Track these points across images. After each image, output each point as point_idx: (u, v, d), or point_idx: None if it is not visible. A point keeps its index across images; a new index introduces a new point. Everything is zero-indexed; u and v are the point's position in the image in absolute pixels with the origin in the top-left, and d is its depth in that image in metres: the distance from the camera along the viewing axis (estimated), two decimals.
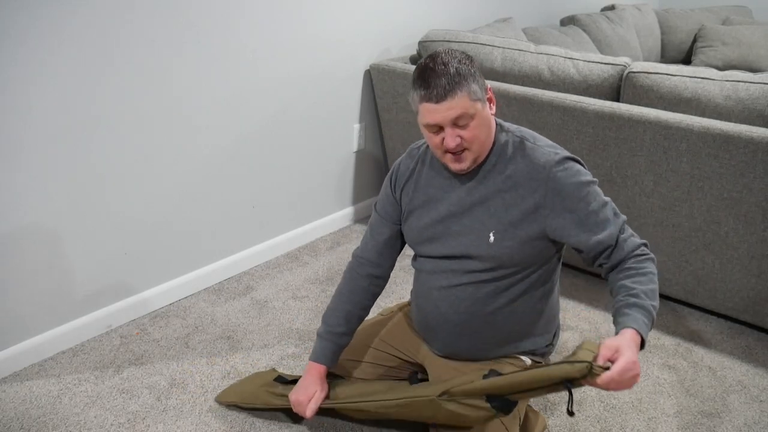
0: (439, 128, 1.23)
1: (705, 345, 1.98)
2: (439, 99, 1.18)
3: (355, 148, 2.65)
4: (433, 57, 1.22)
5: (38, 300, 1.78)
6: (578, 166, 1.28)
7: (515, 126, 1.35)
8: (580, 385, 1.11)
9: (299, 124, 2.36)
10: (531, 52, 2.19)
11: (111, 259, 1.92)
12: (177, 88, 1.92)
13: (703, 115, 1.86)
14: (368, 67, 2.57)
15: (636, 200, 1.98)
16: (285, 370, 1.80)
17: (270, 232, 2.41)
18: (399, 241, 1.50)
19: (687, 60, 4.13)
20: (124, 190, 1.88)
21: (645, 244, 1.27)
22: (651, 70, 1.93)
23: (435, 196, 1.37)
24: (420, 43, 2.45)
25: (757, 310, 1.93)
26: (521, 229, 1.28)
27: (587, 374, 1.07)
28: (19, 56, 1.55)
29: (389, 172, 1.49)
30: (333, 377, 1.55)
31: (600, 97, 2.03)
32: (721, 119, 1.82)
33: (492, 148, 1.31)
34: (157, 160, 1.94)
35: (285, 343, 1.93)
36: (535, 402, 1.70)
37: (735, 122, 1.79)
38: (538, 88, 2.14)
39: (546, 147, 1.29)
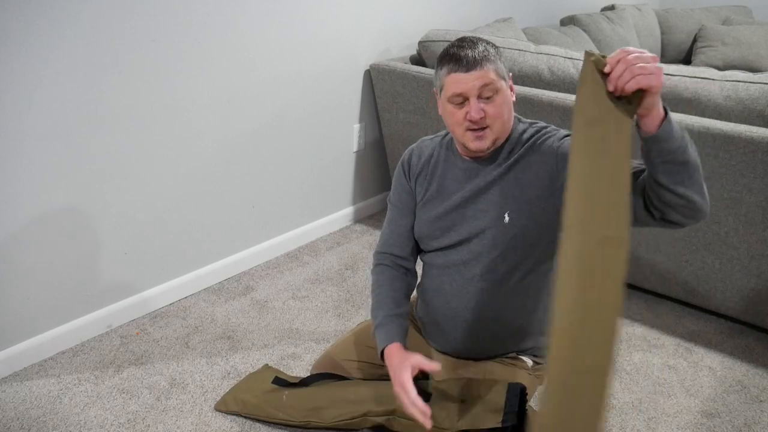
0: (464, 100, 1.24)
1: (705, 345, 1.98)
2: (468, 68, 1.22)
3: (355, 148, 2.65)
4: (461, 39, 1.28)
5: (38, 300, 1.78)
6: None
7: (531, 120, 1.39)
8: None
9: (299, 124, 2.36)
10: (531, 52, 2.19)
11: (111, 259, 1.92)
12: (177, 87, 1.92)
13: (703, 115, 1.86)
14: (368, 67, 2.57)
15: None
16: (285, 371, 1.80)
17: (270, 232, 2.41)
18: None
19: (687, 60, 4.13)
20: (124, 190, 1.88)
21: None
22: None
23: (450, 186, 1.38)
24: (420, 43, 2.45)
25: (757, 310, 1.93)
26: (537, 206, 1.29)
27: (599, 63, 0.97)
28: (19, 56, 1.55)
29: (401, 162, 1.48)
30: (333, 378, 1.55)
31: None
32: (721, 119, 1.82)
33: (510, 137, 1.33)
34: (157, 160, 1.94)
35: (285, 343, 1.93)
36: (535, 402, 1.69)
37: (735, 122, 1.79)
38: (538, 88, 2.14)
39: (559, 129, 1.33)
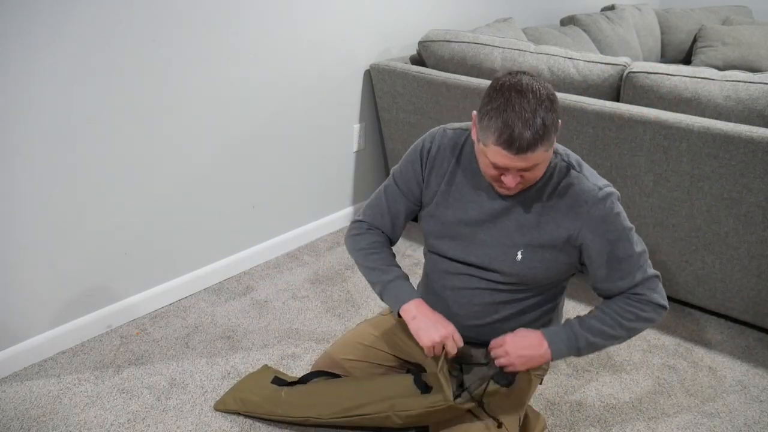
0: (504, 168, 1.16)
1: (705, 345, 1.98)
2: (519, 152, 1.10)
3: (355, 148, 2.65)
4: (521, 92, 1.10)
5: (38, 300, 1.78)
6: (619, 208, 1.26)
7: (563, 148, 1.31)
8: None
9: (299, 124, 2.36)
10: (531, 52, 2.19)
11: (111, 259, 1.92)
12: (177, 87, 1.92)
13: (703, 115, 1.86)
14: (368, 67, 2.57)
15: (636, 200, 1.98)
16: (285, 370, 1.80)
17: (270, 232, 2.41)
18: (408, 218, 1.46)
19: (687, 60, 4.13)
20: (123, 190, 1.88)
21: (660, 305, 1.27)
22: (651, 70, 1.93)
23: (468, 196, 1.33)
24: (420, 43, 2.45)
25: (757, 310, 1.93)
26: (550, 253, 1.28)
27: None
28: (18, 56, 1.55)
29: (419, 147, 1.38)
30: (331, 376, 1.55)
31: (600, 97, 2.03)
32: (721, 119, 1.82)
33: None
34: (158, 160, 1.94)
35: (285, 343, 1.93)
36: (535, 402, 1.70)
37: (735, 122, 1.79)
38: None
39: (592, 179, 1.26)
